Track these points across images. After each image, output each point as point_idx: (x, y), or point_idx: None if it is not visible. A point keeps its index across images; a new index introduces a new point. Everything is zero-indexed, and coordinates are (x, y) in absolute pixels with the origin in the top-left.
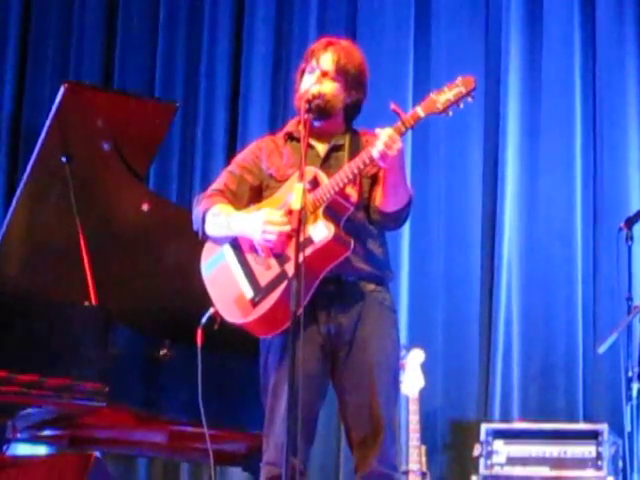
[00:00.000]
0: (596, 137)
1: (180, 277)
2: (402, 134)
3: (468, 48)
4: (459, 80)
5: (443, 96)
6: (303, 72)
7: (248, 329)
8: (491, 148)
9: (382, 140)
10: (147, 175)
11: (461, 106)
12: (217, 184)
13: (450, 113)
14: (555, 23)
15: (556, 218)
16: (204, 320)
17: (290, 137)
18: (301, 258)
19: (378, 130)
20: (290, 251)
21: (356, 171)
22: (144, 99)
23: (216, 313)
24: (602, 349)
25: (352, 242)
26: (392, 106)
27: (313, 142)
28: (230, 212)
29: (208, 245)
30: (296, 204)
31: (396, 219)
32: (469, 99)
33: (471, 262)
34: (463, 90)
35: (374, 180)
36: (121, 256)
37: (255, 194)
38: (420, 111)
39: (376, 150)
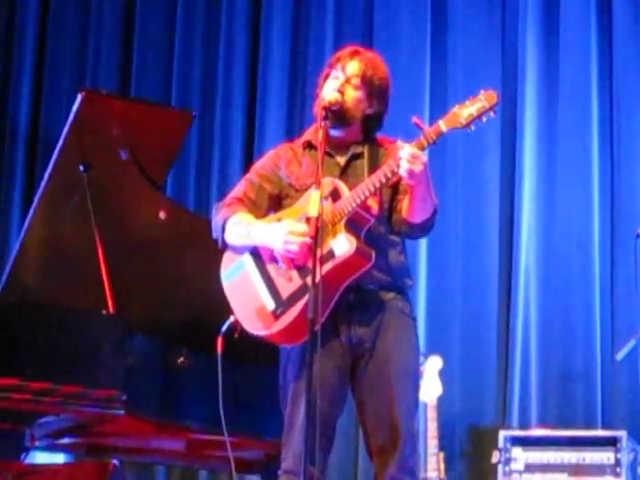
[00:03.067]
0: (613, 144)
1: (197, 285)
2: (424, 149)
3: (485, 57)
4: (482, 94)
5: (466, 110)
6: (327, 77)
7: (269, 340)
8: (508, 156)
9: (405, 159)
10: (164, 183)
11: (484, 120)
12: (236, 192)
13: (472, 128)
14: (572, 32)
15: (574, 225)
16: (224, 329)
17: (309, 145)
18: (318, 266)
19: (400, 143)
20: (311, 263)
21: (378, 185)
22: (161, 107)
23: (236, 322)
24: (620, 355)
25: (373, 254)
26: (414, 119)
27: (332, 152)
28: (251, 221)
29: (228, 254)
30: (313, 211)
31: (423, 229)
32: (491, 114)
33: (489, 269)
34: (486, 105)
35: (395, 189)
36: (139, 264)
37: (274, 203)
38: (443, 126)
39: (403, 169)
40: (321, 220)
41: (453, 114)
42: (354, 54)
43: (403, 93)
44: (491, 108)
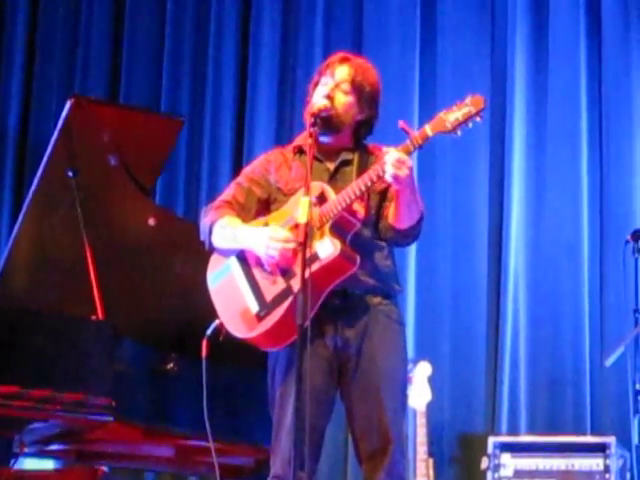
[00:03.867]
0: (602, 150)
1: (186, 291)
2: (410, 153)
3: (474, 63)
4: (468, 99)
5: (452, 115)
6: (316, 84)
7: (253, 343)
8: (497, 162)
9: (390, 163)
10: (154, 189)
11: (470, 125)
12: (225, 196)
13: (459, 132)
14: (561, 39)
15: (563, 231)
16: (209, 332)
17: (299, 151)
18: (306, 271)
19: (386, 148)
20: (296, 267)
21: (363, 188)
22: (150, 113)
23: (221, 325)
24: (609, 362)
25: (358, 258)
26: (400, 124)
27: (322, 157)
28: (237, 225)
29: (215, 257)
30: (302, 218)
31: (409, 235)
32: (478, 119)
33: (478, 275)
34: (473, 110)
35: (383, 196)
36: (127, 270)
37: (263, 207)
38: (429, 130)
39: (388, 174)
40: (309, 225)
41: (439, 118)
42: (344, 60)
43: (392, 99)
44: (477, 113)
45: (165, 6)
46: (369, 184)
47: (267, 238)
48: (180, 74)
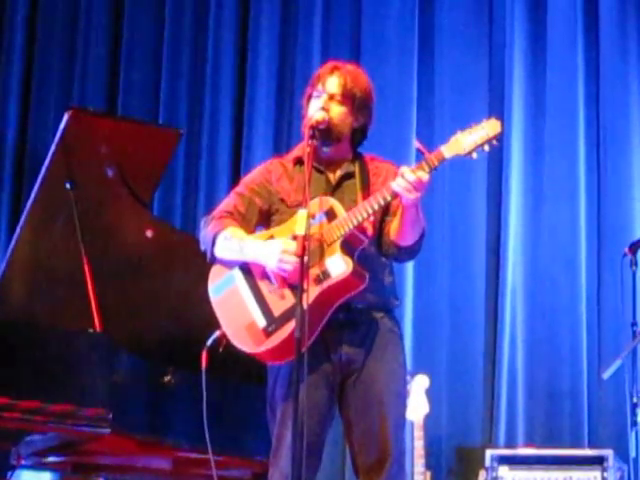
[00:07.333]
0: (600, 162)
1: (184, 303)
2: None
3: (472, 71)
4: (485, 122)
5: (469, 138)
6: (310, 97)
7: (257, 357)
8: (495, 175)
9: (412, 181)
10: (151, 201)
11: (486, 149)
12: (226, 205)
13: (475, 156)
14: (558, 46)
15: (560, 244)
16: (209, 342)
17: (299, 162)
18: (311, 286)
19: (404, 168)
20: (305, 282)
21: (376, 207)
22: (148, 125)
23: (222, 335)
24: (607, 375)
25: (367, 276)
26: (416, 144)
27: (322, 168)
28: (243, 237)
29: (216, 267)
30: (300, 230)
31: (411, 252)
32: (495, 142)
33: (475, 288)
34: (490, 134)
35: (384, 211)
36: (125, 282)
37: (263, 217)
38: (446, 152)
39: (404, 189)
40: (308, 239)
41: (455, 141)
42: (333, 70)
43: (390, 111)
44: (495, 137)
45: (163, 17)
46: (382, 203)
47: (279, 251)
48: (178, 86)
